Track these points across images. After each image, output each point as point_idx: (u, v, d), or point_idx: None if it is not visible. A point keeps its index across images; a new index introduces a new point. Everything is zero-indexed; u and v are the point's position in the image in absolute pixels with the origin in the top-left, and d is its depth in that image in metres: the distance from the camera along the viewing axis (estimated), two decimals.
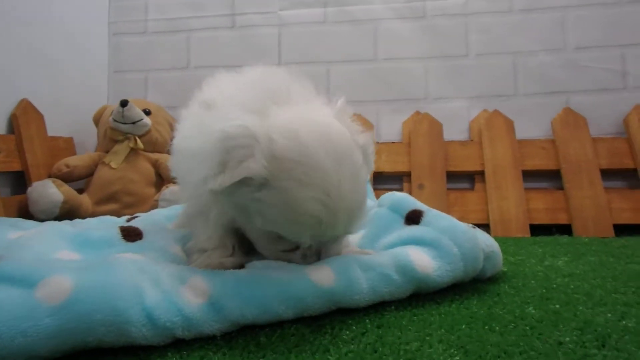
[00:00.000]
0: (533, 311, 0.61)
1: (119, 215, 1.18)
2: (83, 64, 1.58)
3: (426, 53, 1.53)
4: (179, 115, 0.80)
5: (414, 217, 0.76)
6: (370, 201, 1.17)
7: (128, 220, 1.01)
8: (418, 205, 0.79)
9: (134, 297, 0.49)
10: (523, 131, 1.42)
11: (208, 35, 1.66)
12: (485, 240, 0.74)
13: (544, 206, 1.31)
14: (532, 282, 0.75)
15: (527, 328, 0.55)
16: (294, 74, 0.69)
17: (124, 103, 1.34)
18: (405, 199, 0.81)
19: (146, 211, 1.22)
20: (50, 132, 1.40)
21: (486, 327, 0.56)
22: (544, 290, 0.70)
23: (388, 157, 1.47)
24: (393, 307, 0.63)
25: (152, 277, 0.54)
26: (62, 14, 1.48)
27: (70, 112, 1.51)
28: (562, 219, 1.30)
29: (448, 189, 1.39)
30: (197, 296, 0.53)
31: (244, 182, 0.54)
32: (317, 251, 0.62)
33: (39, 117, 1.35)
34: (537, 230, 1.28)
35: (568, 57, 1.43)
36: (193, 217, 0.70)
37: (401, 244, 0.71)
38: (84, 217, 1.19)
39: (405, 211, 0.78)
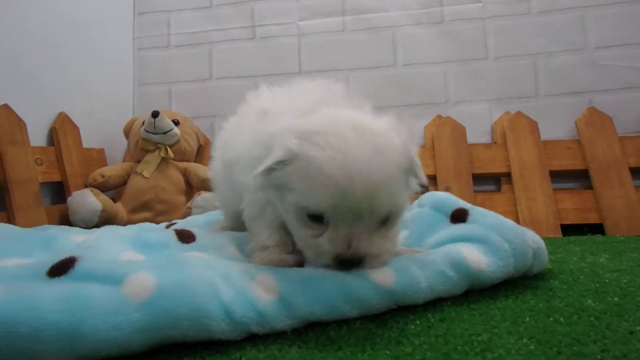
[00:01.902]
0: (593, 304, 0.61)
1: (153, 223, 1.19)
2: (111, 79, 1.63)
3: (445, 57, 1.55)
4: (224, 126, 0.82)
5: (459, 216, 0.77)
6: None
7: (167, 227, 1.02)
8: (462, 203, 0.80)
9: (210, 293, 0.51)
10: (546, 132, 1.43)
11: (229, 47, 1.69)
12: (532, 237, 0.74)
13: (573, 206, 1.32)
14: (581, 277, 0.75)
15: (592, 319, 0.55)
16: (344, 86, 0.73)
17: (155, 114, 1.36)
18: (448, 198, 0.82)
19: (179, 218, 1.24)
20: (84, 144, 1.44)
21: (550, 319, 0.56)
22: (597, 285, 0.70)
23: None
24: (450, 303, 0.64)
25: (221, 274, 0.55)
26: (92, 33, 1.53)
27: (101, 124, 1.55)
28: (592, 219, 1.30)
29: (474, 190, 1.40)
30: (267, 292, 0.55)
31: (280, 164, 0.58)
32: (348, 238, 0.58)
33: (75, 129, 1.39)
34: (567, 230, 1.29)
35: (589, 56, 1.44)
36: (252, 219, 0.71)
37: (450, 242, 0.72)
38: (121, 225, 1.20)
39: (450, 210, 0.79)
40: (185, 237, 0.73)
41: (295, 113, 0.63)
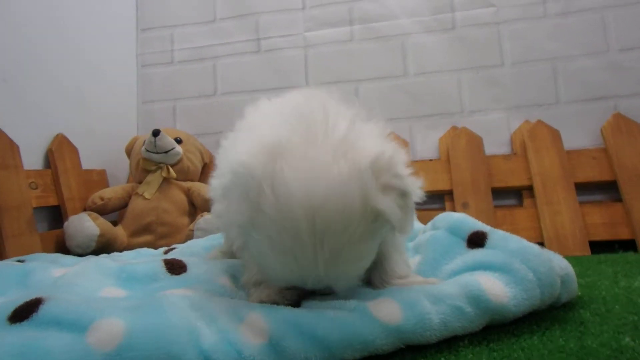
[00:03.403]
0: (632, 343, 0.53)
1: (154, 247, 1.15)
2: (113, 97, 1.59)
3: (458, 65, 1.48)
4: (222, 143, 0.76)
5: (477, 240, 0.70)
6: (418, 224, 1.11)
7: (165, 252, 0.98)
8: (479, 226, 0.73)
9: (189, 339, 0.45)
10: (569, 141, 1.34)
11: (234, 61, 1.65)
12: (559, 262, 0.66)
13: (601, 220, 1.22)
14: (617, 307, 0.66)
15: None
16: (334, 95, 0.66)
17: (155, 133, 1.32)
18: (464, 220, 0.75)
19: (182, 241, 1.19)
20: (84, 165, 1.39)
21: None
22: (636, 317, 0.61)
23: (426, 175, 1.36)
24: (467, 341, 0.56)
25: (206, 314, 0.50)
26: (93, 50, 1.50)
27: (102, 144, 1.51)
28: (623, 234, 1.20)
29: (494, 206, 1.32)
30: (256, 336, 0.48)
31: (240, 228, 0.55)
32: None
33: (74, 150, 1.36)
34: (596, 247, 1.19)
35: (612, 59, 1.35)
36: (240, 250, 0.65)
37: (467, 271, 0.65)
38: (120, 250, 1.17)
39: (466, 233, 0.72)
40: (176, 267, 0.67)
41: (261, 136, 0.56)
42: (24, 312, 0.47)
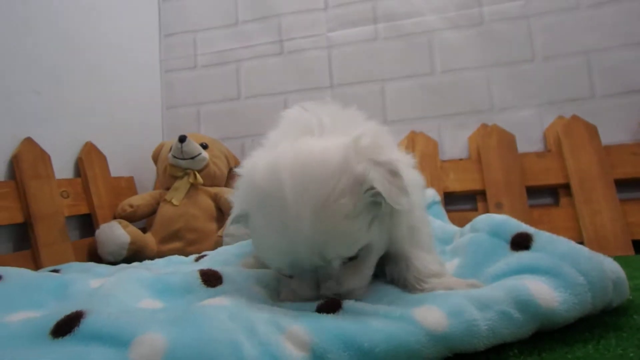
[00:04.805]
0: None
1: (183, 253, 1.15)
2: (138, 103, 1.60)
3: (487, 61, 1.44)
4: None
5: (521, 242, 0.67)
6: (449, 225, 1.08)
7: (196, 260, 0.97)
8: (524, 227, 0.70)
9: (231, 353, 0.44)
10: (607, 136, 1.28)
11: (257, 64, 1.64)
12: (610, 266, 0.63)
13: None
14: None
15: None
16: (338, 104, 0.71)
17: (182, 139, 1.32)
18: (507, 221, 0.72)
19: (210, 248, 1.18)
20: (112, 173, 1.41)
21: None
22: None
23: (456, 175, 1.37)
24: (516, 350, 0.53)
25: (245, 326, 0.48)
26: (118, 58, 1.51)
27: (129, 151, 1.52)
28: None
29: (529, 205, 1.27)
30: (298, 348, 0.47)
31: (237, 218, 0.61)
32: (315, 283, 0.58)
33: (102, 158, 1.37)
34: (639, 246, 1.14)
35: None
36: None
37: (512, 274, 0.62)
38: (150, 257, 1.17)
39: (510, 235, 0.69)
40: (212, 279, 0.66)
41: (270, 144, 0.66)
42: (66, 327, 0.47)
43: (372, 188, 0.55)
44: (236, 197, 0.61)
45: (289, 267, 0.57)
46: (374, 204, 0.57)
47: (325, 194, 0.53)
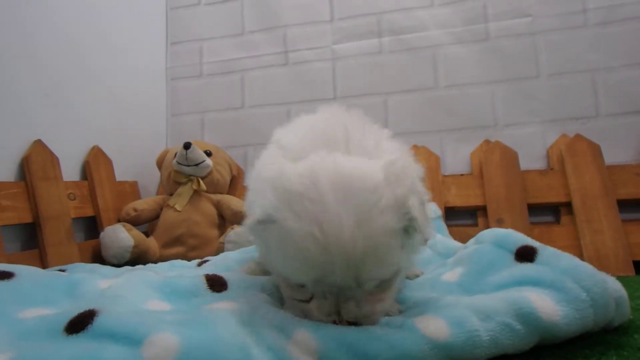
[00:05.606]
0: None
1: (185, 258, 1.16)
2: (143, 110, 1.61)
3: (492, 77, 1.44)
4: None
5: (526, 254, 0.68)
6: (450, 240, 1.08)
7: (199, 265, 0.98)
8: (529, 241, 0.70)
9: (241, 356, 0.45)
10: (610, 156, 1.28)
11: (262, 74, 1.65)
12: (613, 284, 0.63)
13: None
14: None
15: None
16: (360, 116, 0.69)
17: (187, 145, 1.33)
18: (512, 234, 0.73)
19: (212, 253, 1.19)
20: (117, 177, 1.42)
21: None
22: None
23: (458, 190, 1.37)
24: None
25: (254, 331, 0.50)
26: (125, 64, 1.53)
27: (134, 156, 1.53)
28: None
29: (530, 222, 1.27)
30: (305, 354, 0.48)
31: (261, 223, 0.54)
32: (336, 306, 0.53)
33: (108, 162, 1.38)
34: None
35: None
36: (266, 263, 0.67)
37: (514, 285, 0.63)
38: (152, 261, 1.18)
39: (514, 247, 0.70)
40: (217, 284, 0.67)
41: (289, 152, 0.61)
42: (79, 324, 0.48)
43: (408, 213, 0.53)
44: (259, 199, 0.56)
45: (313, 282, 0.52)
46: (404, 230, 0.54)
47: (369, 206, 0.50)
